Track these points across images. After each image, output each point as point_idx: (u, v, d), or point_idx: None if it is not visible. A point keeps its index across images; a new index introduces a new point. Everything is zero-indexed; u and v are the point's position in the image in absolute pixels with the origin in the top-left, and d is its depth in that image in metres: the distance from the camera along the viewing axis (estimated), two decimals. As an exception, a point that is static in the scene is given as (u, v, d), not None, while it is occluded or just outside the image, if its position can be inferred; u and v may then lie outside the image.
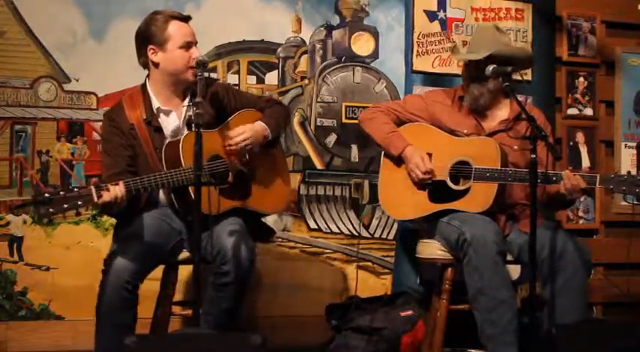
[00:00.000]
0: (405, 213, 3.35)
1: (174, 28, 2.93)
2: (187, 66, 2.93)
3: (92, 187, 2.61)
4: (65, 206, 2.54)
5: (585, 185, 3.00)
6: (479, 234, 2.99)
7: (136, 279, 2.75)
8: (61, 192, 2.54)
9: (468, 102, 3.29)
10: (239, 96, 3.20)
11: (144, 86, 3.03)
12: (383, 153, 3.39)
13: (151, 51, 2.95)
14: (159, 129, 2.98)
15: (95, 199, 2.60)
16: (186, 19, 2.99)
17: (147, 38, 2.95)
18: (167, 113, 3.01)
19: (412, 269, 3.94)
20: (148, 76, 3.04)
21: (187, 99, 3.01)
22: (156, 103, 3.00)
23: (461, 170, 3.18)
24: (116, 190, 2.64)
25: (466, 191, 3.16)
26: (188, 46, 2.94)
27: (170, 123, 3.01)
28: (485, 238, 2.98)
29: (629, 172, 3.06)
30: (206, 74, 3.28)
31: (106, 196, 2.62)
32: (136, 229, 2.87)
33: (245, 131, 2.99)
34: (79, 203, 2.57)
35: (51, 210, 2.52)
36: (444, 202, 3.20)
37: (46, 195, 2.52)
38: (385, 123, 3.33)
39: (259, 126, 3.05)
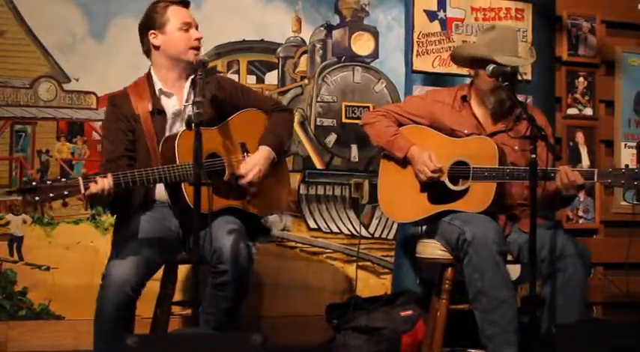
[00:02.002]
0: (406, 216, 3.35)
1: (173, 12, 2.98)
2: (188, 46, 2.97)
3: (80, 178, 2.62)
4: (51, 195, 2.55)
5: (582, 181, 2.99)
6: (480, 233, 2.99)
7: (136, 292, 2.75)
8: (48, 182, 2.56)
9: (490, 105, 3.26)
10: (246, 94, 3.19)
11: (148, 73, 3.06)
12: (382, 156, 3.38)
13: (152, 35, 2.99)
14: (161, 112, 3.00)
15: (82, 190, 2.61)
16: (185, 3, 3.03)
17: (148, 24, 3.00)
18: (169, 95, 3.02)
19: (412, 269, 3.94)
20: (151, 64, 3.06)
21: (188, 83, 3.01)
22: (158, 85, 3.02)
23: (459, 170, 3.18)
24: (104, 183, 2.64)
25: (465, 191, 3.16)
26: (187, 26, 2.98)
27: (171, 105, 3.02)
28: (486, 238, 2.98)
29: (626, 165, 3.05)
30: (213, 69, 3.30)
31: (93, 188, 2.62)
32: (134, 237, 2.87)
33: (254, 165, 2.98)
34: (66, 193, 2.58)
35: (37, 198, 2.53)
36: (443, 203, 3.20)
37: (33, 183, 2.54)
38: (387, 126, 3.33)
39: (265, 153, 3.04)
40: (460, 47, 3.65)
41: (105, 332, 2.74)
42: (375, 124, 3.35)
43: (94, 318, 2.77)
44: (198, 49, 2.99)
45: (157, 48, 3.00)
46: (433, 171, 3.16)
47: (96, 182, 2.63)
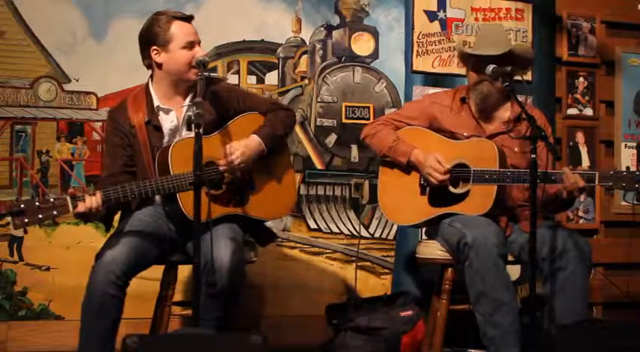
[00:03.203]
0: (407, 219, 3.34)
1: (177, 28, 2.93)
2: (190, 66, 2.93)
3: (67, 198, 2.63)
4: (40, 216, 2.56)
5: (584, 183, 2.99)
6: (480, 237, 2.98)
7: (125, 275, 2.75)
8: (37, 203, 2.56)
9: (476, 101, 3.26)
10: (244, 98, 3.16)
11: (147, 86, 3.04)
12: (380, 162, 3.37)
13: (155, 52, 2.95)
14: (158, 128, 2.99)
15: (70, 210, 2.62)
16: (188, 18, 2.99)
17: (150, 39, 2.95)
18: (167, 111, 3.01)
19: (412, 269, 3.94)
20: (151, 76, 3.04)
21: (188, 99, 3.00)
22: (156, 102, 3.00)
23: (460, 173, 3.17)
24: (92, 201, 2.65)
25: (466, 194, 3.15)
26: (191, 45, 2.94)
27: (168, 121, 3.01)
28: (486, 241, 2.98)
29: (627, 168, 3.04)
30: (212, 74, 3.26)
31: (81, 207, 2.63)
32: (131, 226, 2.88)
33: (238, 149, 2.94)
34: (54, 213, 2.59)
35: (26, 220, 2.54)
36: (444, 206, 3.19)
37: (21, 205, 2.54)
38: (388, 134, 3.31)
39: (254, 142, 3.00)
40: (458, 47, 3.64)
41: (91, 314, 2.74)
42: (375, 135, 3.34)
43: (82, 302, 2.77)
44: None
45: (159, 65, 2.96)
46: (444, 174, 3.14)
47: (84, 200, 2.64)
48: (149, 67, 3.01)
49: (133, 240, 2.81)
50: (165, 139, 2.98)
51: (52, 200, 2.60)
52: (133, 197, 2.76)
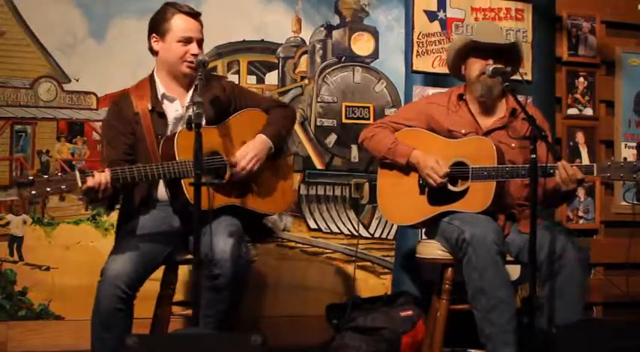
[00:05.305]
0: (407, 219, 3.34)
1: (178, 22, 2.96)
2: (181, 60, 2.95)
3: (77, 172, 2.61)
4: (48, 189, 2.53)
5: (582, 175, 2.98)
6: (478, 233, 2.99)
7: (132, 288, 2.75)
8: (45, 176, 2.54)
9: (480, 92, 3.25)
10: (245, 95, 3.19)
11: (152, 75, 3.06)
12: (379, 164, 3.37)
13: (154, 39, 2.99)
14: (162, 115, 3.00)
15: (79, 184, 2.59)
16: (195, 14, 3.01)
17: (153, 26, 3.00)
18: (171, 100, 3.02)
19: (412, 269, 3.94)
20: (155, 65, 3.06)
21: (191, 91, 3.01)
22: (161, 89, 3.02)
23: (458, 171, 3.17)
24: (101, 177, 2.64)
25: (465, 191, 3.16)
26: (187, 41, 2.95)
27: (173, 109, 3.02)
28: (484, 238, 2.98)
29: (625, 158, 3.04)
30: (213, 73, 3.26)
31: (90, 182, 2.61)
32: (135, 233, 2.88)
33: (248, 152, 2.97)
34: (63, 187, 2.56)
35: (33, 192, 2.51)
36: (443, 204, 3.19)
37: (30, 177, 2.52)
38: (386, 136, 3.31)
39: (261, 141, 3.03)
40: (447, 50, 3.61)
41: (100, 327, 2.74)
42: (373, 137, 3.34)
43: (92, 314, 2.77)
44: (192, 63, 2.94)
45: (156, 53, 3.01)
46: (442, 177, 3.15)
47: (93, 176, 2.63)
48: (152, 52, 3.04)
49: (138, 249, 2.80)
50: (170, 127, 2.99)
51: (60, 174, 2.58)
52: (140, 178, 2.75)
